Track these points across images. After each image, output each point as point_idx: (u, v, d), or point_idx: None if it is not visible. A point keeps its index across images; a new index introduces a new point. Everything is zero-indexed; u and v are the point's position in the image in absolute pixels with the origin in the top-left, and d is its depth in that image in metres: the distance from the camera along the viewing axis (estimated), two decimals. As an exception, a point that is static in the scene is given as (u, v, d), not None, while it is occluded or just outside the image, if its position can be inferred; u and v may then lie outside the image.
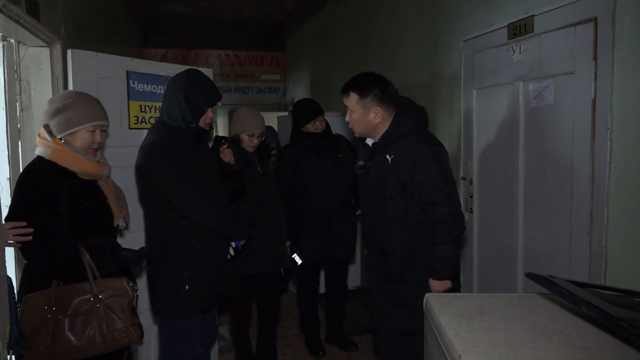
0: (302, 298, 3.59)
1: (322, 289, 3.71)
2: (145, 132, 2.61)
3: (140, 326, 2.05)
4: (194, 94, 2.29)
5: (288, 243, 3.22)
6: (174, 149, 2.26)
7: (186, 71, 2.40)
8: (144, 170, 2.27)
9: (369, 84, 2.21)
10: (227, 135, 3.13)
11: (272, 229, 2.98)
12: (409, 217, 2.19)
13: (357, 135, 2.34)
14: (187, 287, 2.29)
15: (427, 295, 1.82)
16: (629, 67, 1.95)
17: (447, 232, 2.10)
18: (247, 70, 9.19)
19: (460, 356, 1.28)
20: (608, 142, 2.04)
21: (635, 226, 1.91)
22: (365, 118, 2.22)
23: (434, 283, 2.13)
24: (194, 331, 2.46)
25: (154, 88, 2.97)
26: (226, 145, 2.65)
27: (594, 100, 2.12)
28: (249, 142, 2.98)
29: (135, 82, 2.89)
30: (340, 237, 3.34)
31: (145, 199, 2.37)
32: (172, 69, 2.96)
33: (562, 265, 2.28)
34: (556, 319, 1.56)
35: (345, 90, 2.24)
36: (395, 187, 2.17)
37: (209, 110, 2.35)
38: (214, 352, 3.23)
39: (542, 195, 2.46)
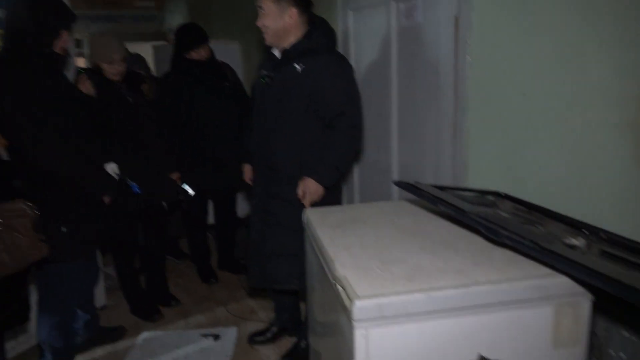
0: (191, 228, 3.56)
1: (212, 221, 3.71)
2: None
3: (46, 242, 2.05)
4: (43, 14, 2.04)
5: (177, 175, 3.12)
6: (25, 91, 2.03)
7: None
8: None
9: None
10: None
11: (152, 161, 2.86)
12: (308, 133, 2.19)
13: (268, 42, 2.25)
14: (64, 228, 2.16)
15: (306, 210, 1.88)
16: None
17: (344, 143, 2.15)
18: (118, -3, 8.40)
19: (333, 260, 1.35)
20: (468, 57, 2.16)
21: (490, 134, 2.09)
22: (279, 20, 2.16)
23: (311, 183, 2.14)
24: (75, 274, 2.36)
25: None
26: (85, 76, 2.43)
27: (457, 17, 2.21)
28: (111, 70, 2.74)
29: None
30: (229, 167, 3.30)
31: None
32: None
33: (430, 175, 2.46)
34: (421, 220, 1.70)
35: None
36: (301, 98, 2.16)
37: (64, 32, 2.12)
38: (100, 293, 3.14)
39: (413, 111, 2.59)
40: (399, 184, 1.72)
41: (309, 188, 2.15)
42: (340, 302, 1.22)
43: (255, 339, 2.65)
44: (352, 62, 3.01)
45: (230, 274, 3.58)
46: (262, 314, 2.98)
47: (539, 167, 1.87)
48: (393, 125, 2.73)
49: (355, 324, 1.11)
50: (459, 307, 1.16)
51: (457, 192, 1.81)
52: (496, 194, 1.93)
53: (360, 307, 1.10)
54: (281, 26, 2.18)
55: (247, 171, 2.57)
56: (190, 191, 3.11)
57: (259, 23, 2.22)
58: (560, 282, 1.21)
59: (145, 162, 2.80)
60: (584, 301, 1.25)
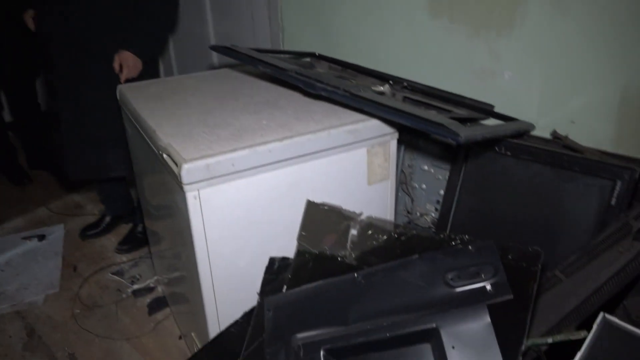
0: None
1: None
2: None
3: None
4: None
5: None
6: None
7: None
8: None
9: None
10: None
11: None
12: (119, 1, 1.93)
13: None
14: None
15: (120, 86, 1.73)
16: None
17: (161, 10, 1.95)
18: None
19: (155, 131, 1.29)
20: None
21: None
22: None
23: (129, 56, 1.94)
24: None
25: None
26: None
27: None
28: None
29: None
30: (6, 45, 2.78)
31: None
32: None
33: (249, 41, 2.40)
34: (243, 85, 1.69)
35: None
36: None
37: None
38: None
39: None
40: (215, 48, 1.67)
41: (127, 62, 1.94)
42: (168, 171, 1.20)
43: (87, 232, 2.51)
44: None
45: (46, 173, 3.23)
46: (91, 206, 2.82)
47: (350, 27, 1.95)
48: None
49: (186, 187, 1.11)
50: (284, 159, 1.23)
51: (275, 55, 1.82)
52: (312, 55, 1.98)
53: (188, 169, 1.10)
54: None
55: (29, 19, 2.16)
56: None
57: None
58: (372, 125, 1.33)
59: None
60: (391, 140, 1.41)
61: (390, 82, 1.70)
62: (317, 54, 1.97)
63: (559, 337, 1.00)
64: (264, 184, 1.23)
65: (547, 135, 1.49)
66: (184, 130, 1.28)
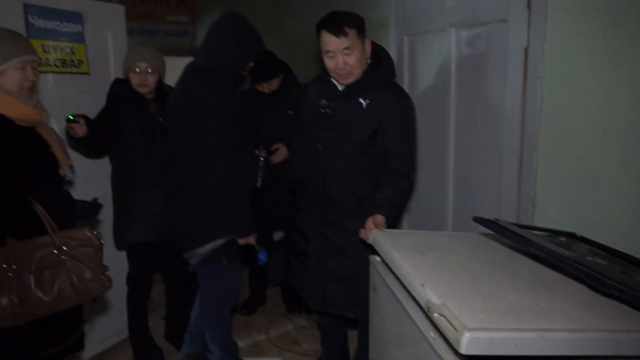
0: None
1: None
2: (50, 76, 2.53)
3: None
4: (248, 44, 2.21)
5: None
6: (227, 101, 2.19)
7: (239, 16, 2.28)
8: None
9: (356, 16, 2.06)
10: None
11: (166, 194, 2.37)
12: (364, 168, 2.10)
13: (348, 82, 2.09)
14: None
15: (374, 231, 1.79)
16: (562, 15, 1.98)
17: (405, 185, 2.06)
18: (152, 11, 8.46)
19: (423, 285, 1.26)
20: (539, 91, 2.09)
21: (561, 170, 2.01)
22: (363, 54, 2.06)
23: (379, 218, 1.91)
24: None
25: (58, 25, 2.58)
26: (74, 120, 2.26)
27: (527, 49, 2.14)
28: (138, 81, 2.53)
29: (35, 17, 2.48)
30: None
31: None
32: (76, 4, 2.67)
33: (491, 211, 2.34)
34: (501, 255, 1.61)
35: (341, 29, 1.97)
36: (362, 134, 2.07)
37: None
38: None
39: (473, 144, 2.50)
40: (479, 220, 1.62)
41: (378, 222, 1.92)
42: (440, 333, 1.12)
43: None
44: (405, 88, 2.95)
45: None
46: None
47: (614, 216, 1.79)
48: (450, 156, 2.65)
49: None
50: (569, 355, 1.06)
51: (531, 232, 1.72)
52: (572, 236, 1.83)
53: (470, 339, 1.01)
54: (364, 59, 2.08)
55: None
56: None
57: (341, 65, 2.01)
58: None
59: (161, 196, 2.49)
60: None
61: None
62: (578, 235, 1.82)
63: None
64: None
65: None
66: (455, 292, 1.22)
